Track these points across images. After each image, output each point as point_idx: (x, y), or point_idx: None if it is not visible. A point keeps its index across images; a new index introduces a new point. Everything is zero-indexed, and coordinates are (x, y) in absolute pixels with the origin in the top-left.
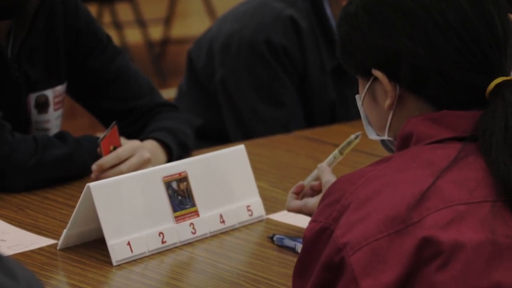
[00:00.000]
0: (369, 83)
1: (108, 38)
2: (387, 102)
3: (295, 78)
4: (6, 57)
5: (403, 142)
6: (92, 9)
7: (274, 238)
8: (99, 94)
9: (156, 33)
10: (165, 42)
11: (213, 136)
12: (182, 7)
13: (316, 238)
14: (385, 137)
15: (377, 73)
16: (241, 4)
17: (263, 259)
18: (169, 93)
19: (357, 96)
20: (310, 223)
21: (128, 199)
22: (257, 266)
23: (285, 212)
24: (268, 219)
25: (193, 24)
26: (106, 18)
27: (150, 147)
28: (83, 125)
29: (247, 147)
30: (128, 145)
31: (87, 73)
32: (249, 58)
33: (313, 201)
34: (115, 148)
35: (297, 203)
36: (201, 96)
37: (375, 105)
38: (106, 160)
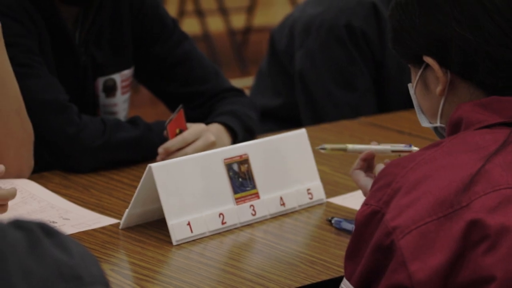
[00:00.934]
0: (420, 71)
1: (174, 23)
2: (439, 88)
3: (371, 64)
4: (74, 42)
5: (453, 127)
6: None
7: (333, 221)
8: (165, 78)
9: (238, 21)
10: (248, 30)
11: (290, 119)
12: None
13: (367, 221)
14: (438, 124)
15: (428, 59)
16: None
17: (320, 241)
18: (250, 82)
19: (409, 85)
20: (362, 206)
21: (189, 180)
22: (314, 247)
23: (345, 196)
24: (328, 202)
25: (276, 13)
26: (189, 6)
27: (215, 131)
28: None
29: (312, 132)
30: (193, 128)
31: (153, 58)
32: (328, 41)
33: (364, 180)
34: (181, 131)
35: (358, 174)
36: (280, 78)
37: (427, 92)
38: (172, 143)
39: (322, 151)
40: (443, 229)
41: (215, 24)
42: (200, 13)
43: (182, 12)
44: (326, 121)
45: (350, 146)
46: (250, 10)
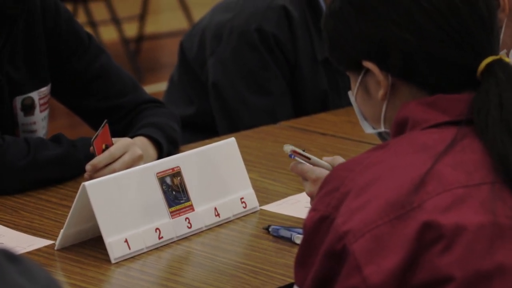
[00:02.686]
0: (360, 77)
1: (90, 37)
2: (380, 92)
3: (285, 67)
4: None
5: (399, 127)
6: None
7: (270, 229)
8: (83, 93)
9: (130, 30)
10: (140, 38)
11: (205, 127)
12: (155, 3)
13: (316, 227)
14: (382, 129)
15: (368, 64)
16: None
17: (260, 250)
18: (147, 89)
19: (349, 93)
20: (309, 212)
21: (123, 196)
22: (254, 257)
23: (278, 203)
24: (261, 210)
25: (167, 20)
26: (81, 18)
27: (140, 144)
28: (62, 126)
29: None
30: (119, 143)
31: (70, 74)
32: (239, 46)
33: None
34: (107, 147)
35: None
36: (193, 86)
37: (369, 98)
38: (99, 159)
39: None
40: (395, 231)
41: (108, 33)
42: (92, 24)
43: None
44: (242, 128)
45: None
46: (141, 18)
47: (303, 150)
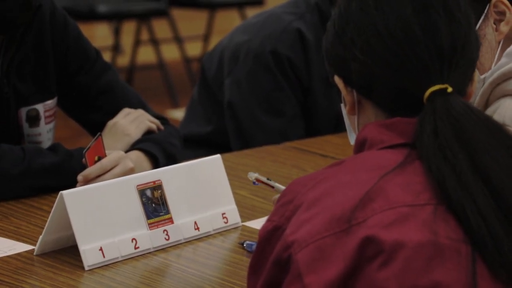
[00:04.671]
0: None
1: (97, 53)
2: (347, 107)
3: (298, 89)
4: None
5: (359, 147)
6: (131, 26)
7: (244, 244)
8: (89, 107)
9: (193, 50)
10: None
11: (221, 145)
12: (219, 24)
13: (269, 236)
14: None
15: (336, 78)
16: (254, 16)
17: (231, 264)
18: None
19: (341, 105)
20: (265, 222)
21: (101, 206)
22: (224, 271)
23: (262, 219)
24: (244, 226)
25: None
26: (144, 35)
27: (134, 157)
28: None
29: (235, 157)
30: (112, 155)
31: (76, 89)
32: (254, 68)
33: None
34: (100, 159)
35: None
36: (211, 105)
37: (346, 112)
38: (90, 170)
39: (250, 178)
40: (339, 243)
41: (170, 52)
42: (154, 42)
43: (137, 42)
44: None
45: (277, 185)
46: (206, 38)
47: (268, 179)
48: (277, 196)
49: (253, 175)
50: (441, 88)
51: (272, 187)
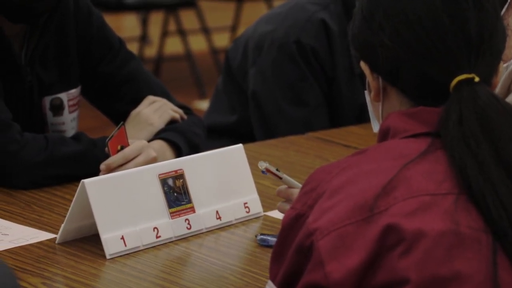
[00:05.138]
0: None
1: (121, 43)
2: (372, 93)
3: (322, 80)
4: (20, 62)
5: (382, 135)
6: (158, 17)
7: (258, 238)
8: (112, 97)
9: (221, 40)
10: None
11: (245, 135)
12: (247, 15)
13: (291, 224)
14: None
15: (362, 64)
16: (278, 7)
17: (253, 253)
18: None
19: (366, 92)
20: (288, 210)
21: (123, 195)
22: (245, 260)
23: None
24: (265, 216)
25: None
26: (171, 26)
27: (157, 147)
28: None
29: (258, 147)
30: (134, 144)
31: (99, 77)
32: (278, 57)
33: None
34: (122, 148)
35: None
36: (236, 94)
37: (371, 99)
38: (113, 159)
39: (260, 167)
40: (360, 232)
41: (197, 43)
42: (181, 33)
43: (165, 33)
44: (279, 137)
45: (285, 176)
46: (233, 29)
47: (277, 169)
48: (282, 187)
49: (263, 164)
50: (468, 78)
51: (280, 178)
